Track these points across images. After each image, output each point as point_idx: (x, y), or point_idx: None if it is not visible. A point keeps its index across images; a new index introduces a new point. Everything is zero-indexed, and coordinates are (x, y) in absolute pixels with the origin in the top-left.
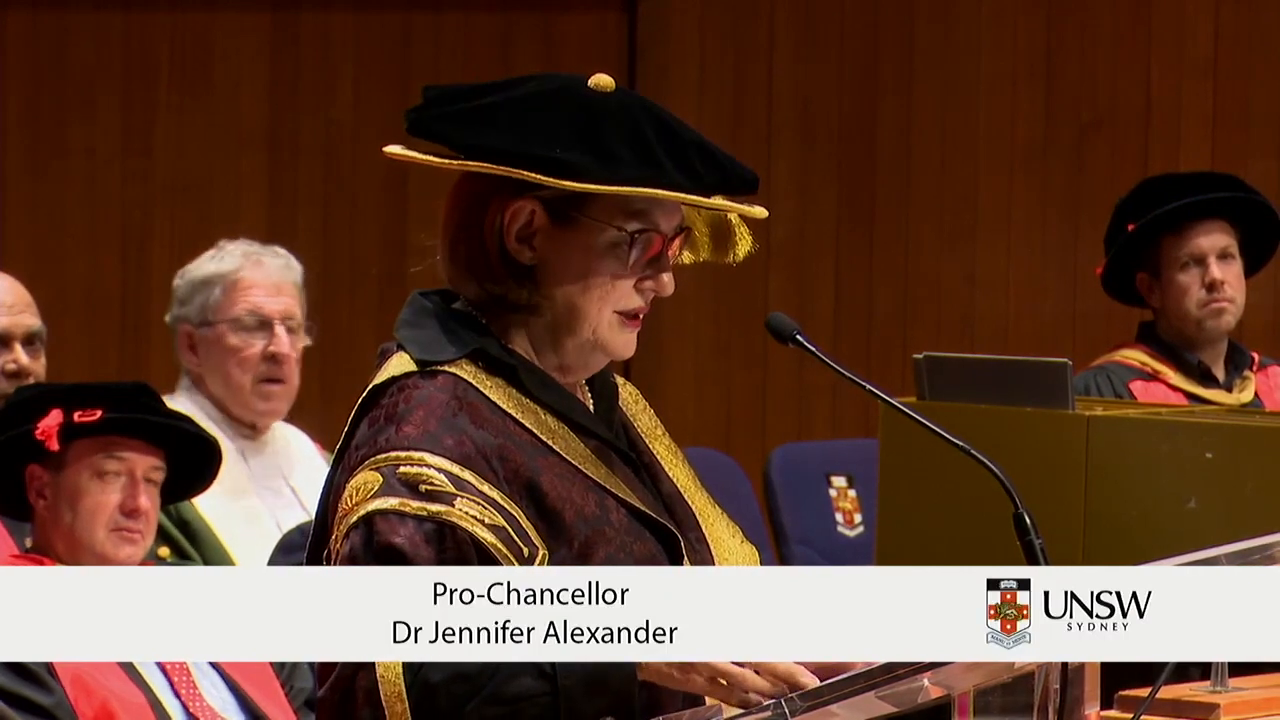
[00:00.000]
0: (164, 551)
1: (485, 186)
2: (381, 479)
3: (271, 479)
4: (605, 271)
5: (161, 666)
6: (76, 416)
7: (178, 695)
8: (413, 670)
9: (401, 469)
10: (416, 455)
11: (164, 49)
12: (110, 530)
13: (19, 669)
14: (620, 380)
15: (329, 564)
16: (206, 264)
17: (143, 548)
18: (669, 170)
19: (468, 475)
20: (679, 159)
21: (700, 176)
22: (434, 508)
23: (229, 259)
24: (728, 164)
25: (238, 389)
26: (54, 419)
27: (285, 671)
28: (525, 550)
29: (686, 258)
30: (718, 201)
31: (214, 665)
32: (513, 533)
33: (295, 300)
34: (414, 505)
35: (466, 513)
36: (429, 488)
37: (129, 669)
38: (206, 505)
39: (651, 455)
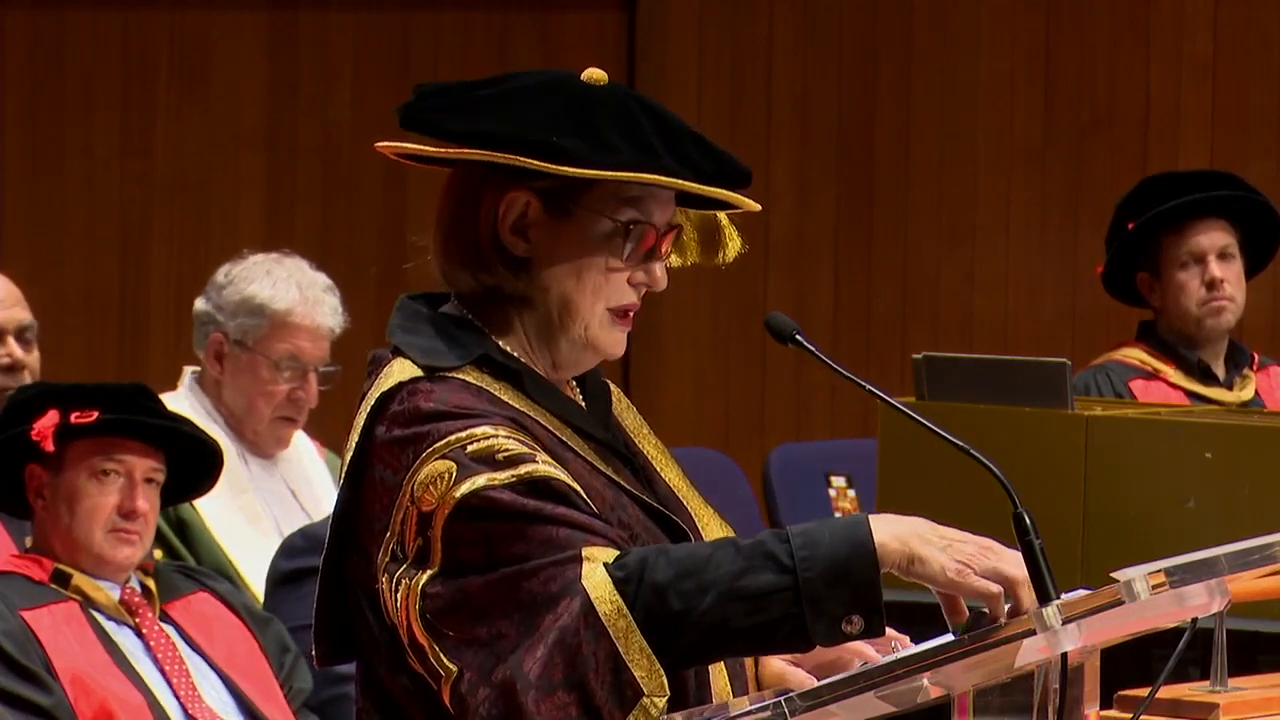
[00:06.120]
0: (157, 554)
1: (479, 177)
2: (455, 464)
3: (272, 479)
4: (599, 263)
5: (160, 667)
6: (73, 417)
7: (176, 696)
8: (629, 581)
9: (470, 448)
10: (479, 431)
11: (163, 49)
12: (108, 531)
13: (19, 669)
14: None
15: (398, 565)
16: (261, 284)
17: (141, 549)
18: (666, 158)
19: (527, 440)
20: (675, 148)
21: (697, 166)
22: (521, 470)
23: (285, 292)
24: (723, 157)
25: (256, 419)
26: (50, 420)
27: (284, 672)
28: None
29: (674, 260)
30: (715, 190)
31: (212, 666)
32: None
33: (329, 343)
34: (501, 477)
35: (548, 463)
36: (505, 455)
37: (127, 669)
38: (206, 505)
39: (644, 457)
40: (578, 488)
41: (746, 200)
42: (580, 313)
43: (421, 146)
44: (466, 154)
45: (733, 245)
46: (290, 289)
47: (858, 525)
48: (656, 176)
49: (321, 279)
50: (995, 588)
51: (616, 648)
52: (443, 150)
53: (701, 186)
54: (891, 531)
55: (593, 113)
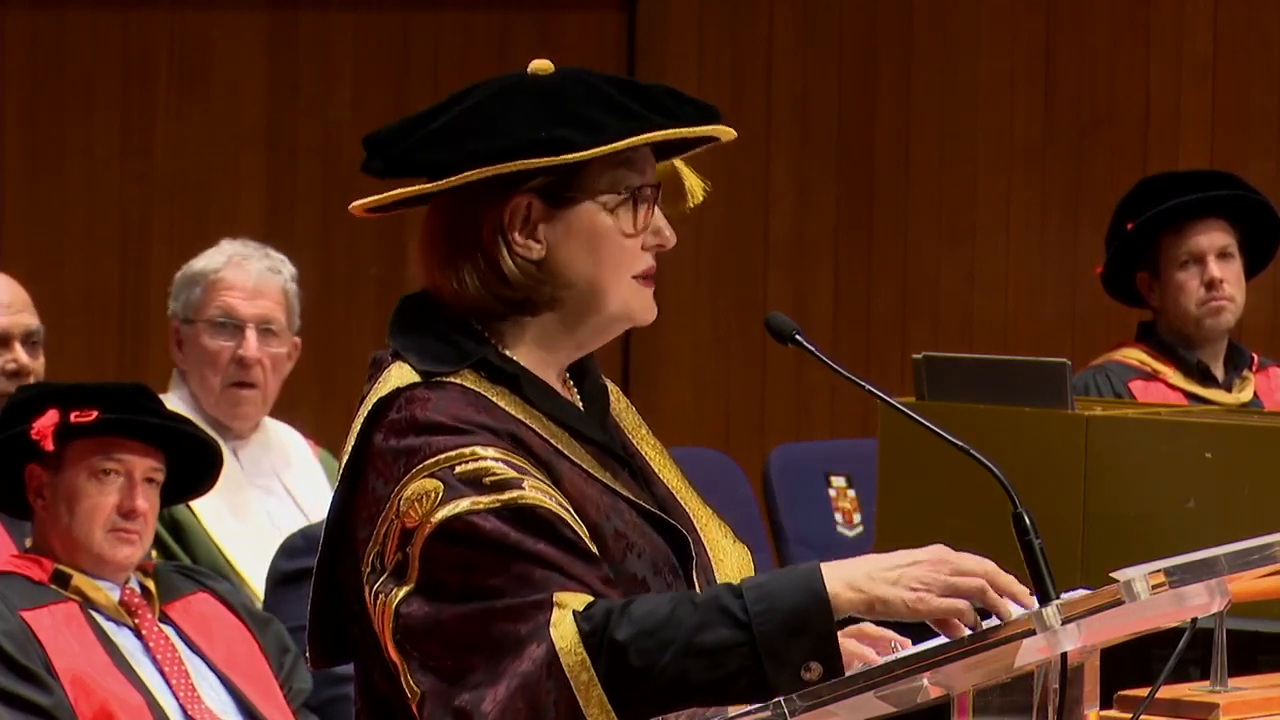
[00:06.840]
0: (153, 554)
1: (470, 200)
2: (442, 484)
3: (264, 476)
4: (614, 238)
5: (159, 668)
6: (73, 417)
7: (176, 696)
8: (594, 634)
9: (458, 469)
10: (468, 451)
11: (163, 49)
12: (108, 531)
13: (19, 669)
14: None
15: (377, 576)
16: (199, 260)
17: (141, 549)
18: (650, 116)
19: (518, 460)
20: (653, 105)
21: (677, 114)
22: (506, 496)
23: (217, 257)
24: (695, 101)
25: (210, 391)
26: (50, 419)
27: (284, 672)
28: (585, 533)
29: None
30: (711, 129)
31: (212, 666)
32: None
33: (278, 304)
34: (485, 501)
35: (537, 489)
36: (493, 479)
37: (127, 670)
38: (200, 503)
39: (642, 458)
40: (563, 513)
41: (729, 129)
42: (610, 291)
43: (410, 189)
44: (468, 177)
45: (696, 190)
46: (222, 256)
47: (812, 575)
48: (655, 133)
49: (269, 252)
50: (960, 604)
51: (576, 700)
52: (439, 184)
53: (700, 128)
54: (844, 579)
55: (563, 100)
